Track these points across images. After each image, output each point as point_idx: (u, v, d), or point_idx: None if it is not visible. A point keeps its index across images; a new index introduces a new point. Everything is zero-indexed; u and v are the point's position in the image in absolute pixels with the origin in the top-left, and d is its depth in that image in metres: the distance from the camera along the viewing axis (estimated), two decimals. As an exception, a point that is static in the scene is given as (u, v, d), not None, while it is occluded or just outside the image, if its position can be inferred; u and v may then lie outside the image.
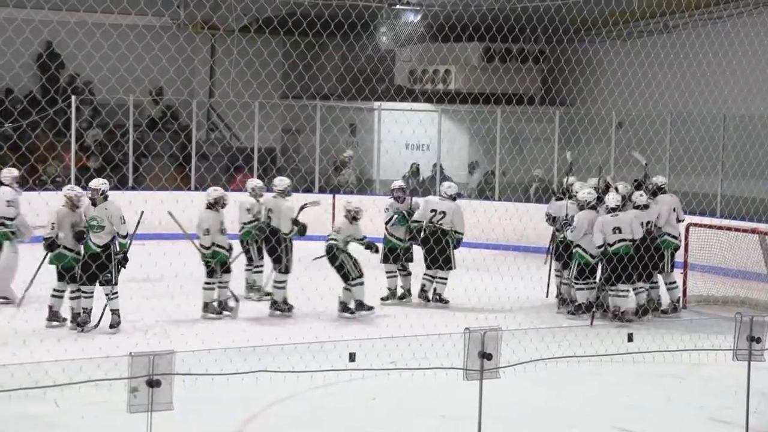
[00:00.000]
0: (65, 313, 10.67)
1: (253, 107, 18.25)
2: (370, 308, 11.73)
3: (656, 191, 12.17)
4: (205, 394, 7.73)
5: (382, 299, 12.38)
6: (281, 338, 10.10)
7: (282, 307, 11.62)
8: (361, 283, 11.63)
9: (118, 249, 10.42)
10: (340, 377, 8.46)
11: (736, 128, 16.25)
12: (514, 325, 11.03)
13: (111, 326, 10.45)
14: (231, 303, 11.48)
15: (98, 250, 10.36)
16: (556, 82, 20.36)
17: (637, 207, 11.75)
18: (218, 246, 11.33)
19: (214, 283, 11.41)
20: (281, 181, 12.00)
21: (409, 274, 12.60)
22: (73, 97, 16.89)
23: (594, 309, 11.75)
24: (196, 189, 17.93)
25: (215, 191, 11.55)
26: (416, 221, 12.34)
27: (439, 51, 20.67)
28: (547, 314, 12.13)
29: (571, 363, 9.03)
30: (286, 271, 11.56)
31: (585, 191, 12.01)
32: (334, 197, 17.47)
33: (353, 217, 11.73)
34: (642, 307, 11.82)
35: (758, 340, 6.75)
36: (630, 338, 10.66)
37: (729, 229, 12.87)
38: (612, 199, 11.70)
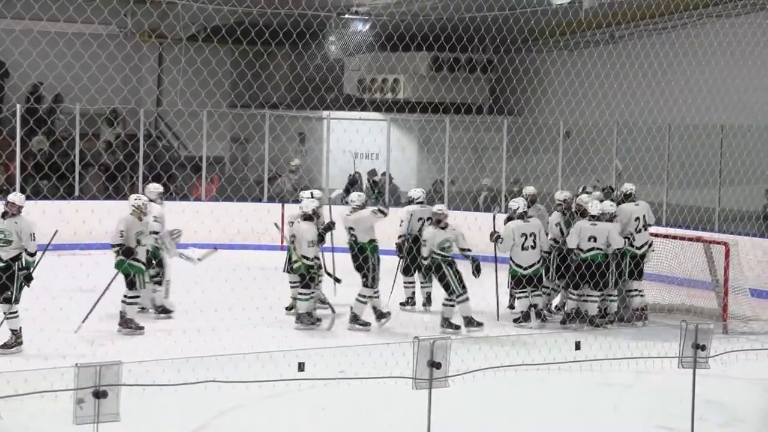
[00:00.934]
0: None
1: (201, 116, 18.16)
2: (479, 324, 11.62)
3: (623, 200, 12.39)
4: (152, 405, 7.65)
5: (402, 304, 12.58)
6: (229, 348, 10.05)
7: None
8: (467, 299, 11.55)
9: (23, 265, 10.01)
10: (289, 387, 8.43)
11: (681, 137, 16.44)
12: (462, 334, 11.07)
13: (6, 346, 10.00)
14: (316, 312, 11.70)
15: (1, 264, 9.96)
16: (504, 92, 20.46)
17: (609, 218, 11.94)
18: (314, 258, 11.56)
19: (309, 294, 11.53)
20: (359, 197, 12.03)
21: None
22: (18, 106, 16.69)
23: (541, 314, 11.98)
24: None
25: (312, 202, 11.69)
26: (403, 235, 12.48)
27: (388, 60, 20.73)
28: (495, 323, 12.16)
29: (520, 371, 9.06)
30: (372, 285, 11.53)
31: (514, 201, 12.25)
32: (282, 206, 17.42)
33: (437, 220, 11.62)
34: (609, 315, 12.05)
35: (703, 348, 6.82)
36: (577, 346, 10.71)
37: (674, 237, 13.00)
38: (594, 207, 11.89)
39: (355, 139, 17.84)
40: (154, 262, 11.66)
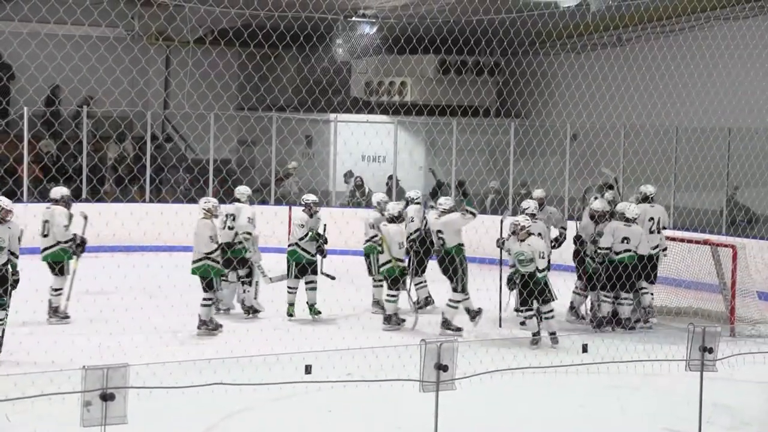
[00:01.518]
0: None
1: (208, 119, 18.18)
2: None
3: (641, 201, 12.42)
4: (160, 408, 7.67)
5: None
6: (237, 351, 10.05)
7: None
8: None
9: (13, 270, 9.87)
10: (296, 390, 8.43)
11: (688, 140, 16.42)
12: (470, 337, 11.07)
13: None
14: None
15: None
16: (511, 95, 20.47)
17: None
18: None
19: (397, 296, 11.70)
20: (447, 200, 12.05)
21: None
22: (26, 108, 16.72)
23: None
24: (150, 201, 17.84)
25: (398, 205, 11.95)
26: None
27: (395, 63, 20.73)
28: (502, 326, 12.15)
29: (527, 374, 9.07)
30: (462, 290, 11.53)
31: (526, 202, 12.16)
32: (290, 209, 17.43)
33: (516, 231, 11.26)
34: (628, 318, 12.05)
35: (710, 351, 6.81)
36: (584, 349, 10.72)
37: (682, 240, 12.98)
38: (631, 210, 11.89)
39: (362, 142, 17.86)
40: (235, 263, 11.96)
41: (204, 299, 11.18)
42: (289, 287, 12.14)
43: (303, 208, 12.29)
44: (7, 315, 9.75)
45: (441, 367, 5.96)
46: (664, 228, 12.47)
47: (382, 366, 9.15)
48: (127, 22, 19.28)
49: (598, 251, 11.88)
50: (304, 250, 12.04)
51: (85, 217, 11.78)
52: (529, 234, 11.07)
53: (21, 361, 9.23)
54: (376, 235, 12.28)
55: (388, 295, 11.79)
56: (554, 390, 9.38)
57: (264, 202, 18.63)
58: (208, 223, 11.17)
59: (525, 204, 11.99)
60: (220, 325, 11.27)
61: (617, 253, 11.81)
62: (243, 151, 21.15)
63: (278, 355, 9.85)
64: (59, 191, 11.96)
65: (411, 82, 21.31)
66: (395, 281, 11.69)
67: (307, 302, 12.10)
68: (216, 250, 11.12)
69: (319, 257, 12.08)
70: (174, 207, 16.85)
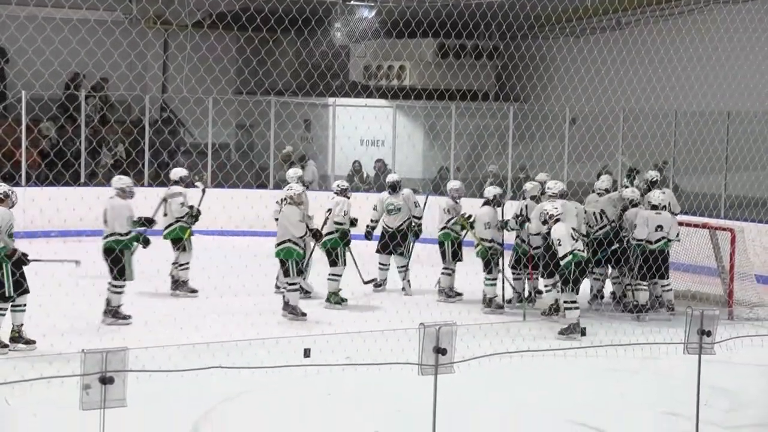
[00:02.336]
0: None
1: (207, 103, 18.16)
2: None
3: (648, 187, 12.42)
4: (159, 391, 7.68)
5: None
6: (235, 334, 10.07)
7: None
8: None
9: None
10: (295, 373, 8.45)
11: (687, 124, 16.42)
12: (469, 320, 11.09)
13: None
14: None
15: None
16: (510, 79, 20.44)
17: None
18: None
19: (493, 279, 11.88)
20: (493, 189, 12.23)
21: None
22: (23, 92, 16.69)
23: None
24: (150, 185, 17.82)
25: (494, 189, 12.09)
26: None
27: (394, 47, 20.69)
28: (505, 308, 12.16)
29: (525, 357, 9.10)
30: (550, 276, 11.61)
31: (529, 183, 12.53)
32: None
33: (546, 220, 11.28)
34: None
35: (708, 334, 6.82)
36: (583, 332, 10.77)
37: (680, 224, 12.96)
38: (656, 197, 11.92)
39: (361, 126, 17.84)
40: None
41: (288, 284, 11.22)
42: (337, 274, 12.15)
43: (339, 192, 12.27)
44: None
45: (440, 351, 5.96)
46: (675, 214, 12.43)
47: (381, 350, 9.18)
48: (125, 6, 19.23)
49: (633, 242, 11.85)
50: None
51: (204, 191, 12.71)
52: (557, 221, 10.99)
53: (20, 345, 9.24)
54: (450, 219, 12.42)
55: (485, 278, 11.93)
56: (553, 373, 9.40)
57: (263, 186, 18.62)
58: (295, 210, 11.21)
59: (655, 199, 11.93)
60: (305, 313, 11.21)
61: (653, 242, 11.79)
62: (241, 135, 21.15)
63: (277, 338, 9.88)
64: (178, 173, 12.68)
65: (410, 66, 21.28)
66: (487, 264, 11.81)
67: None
68: (305, 234, 11.23)
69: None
70: (172, 191, 16.83)
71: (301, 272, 11.39)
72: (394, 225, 12.88)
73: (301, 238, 11.24)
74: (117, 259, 10.68)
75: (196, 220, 12.46)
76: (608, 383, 9.18)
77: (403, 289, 12.94)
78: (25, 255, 9.37)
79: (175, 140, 19.76)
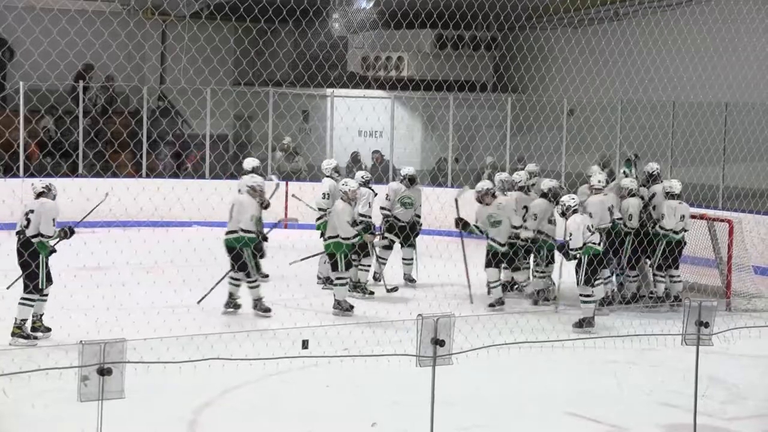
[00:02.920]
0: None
1: (204, 94, 18.13)
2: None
3: (647, 180, 12.37)
4: (157, 383, 7.69)
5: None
6: (234, 326, 10.08)
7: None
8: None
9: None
10: (293, 364, 8.46)
11: (685, 115, 16.41)
12: (467, 312, 11.10)
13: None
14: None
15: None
16: (508, 69, 20.43)
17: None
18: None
19: (545, 272, 11.92)
20: (549, 182, 12.21)
21: None
22: (21, 83, 16.67)
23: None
24: (147, 176, 17.83)
25: (551, 182, 12.01)
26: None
27: (392, 38, 20.66)
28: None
29: (523, 349, 9.10)
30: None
31: (517, 174, 12.48)
32: (287, 184, 17.41)
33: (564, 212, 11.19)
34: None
35: (706, 325, 6.83)
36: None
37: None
38: (676, 186, 11.93)
39: (359, 117, 17.82)
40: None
41: (336, 278, 11.21)
42: (367, 265, 12.14)
43: (363, 183, 12.21)
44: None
45: (438, 342, 5.97)
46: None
47: (379, 341, 9.19)
48: (123, -4, 19.19)
49: (659, 231, 11.82)
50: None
51: (278, 184, 12.92)
52: (575, 212, 10.89)
53: (38, 333, 9.26)
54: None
55: (536, 271, 11.95)
56: (551, 365, 9.41)
57: (260, 177, 18.58)
58: (347, 208, 11.14)
59: (676, 188, 11.92)
60: (352, 306, 11.21)
61: (677, 232, 11.84)
62: (239, 127, 21.12)
63: (275, 330, 9.88)
64: (251, 163, 12.76)
65: (408, 57, 21.25)
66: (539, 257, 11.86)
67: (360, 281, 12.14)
68: (356, 236, 11.17)
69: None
70: (171, 182, 16.85)
71: (349, 265, 11.29)
72: (406, 219, 12.76)
73: (347, 239, 11.16)
74: (237, 255, 10.79)
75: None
76: (606, 374, 9.18)
77: (412, 280, 12.89)
78: (71, 229, 9.81)
79: (173, 131, 19.75)
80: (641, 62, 16.82)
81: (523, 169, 13.26)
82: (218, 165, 18.44)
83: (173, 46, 19.60)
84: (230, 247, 10.89)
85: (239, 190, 11.52)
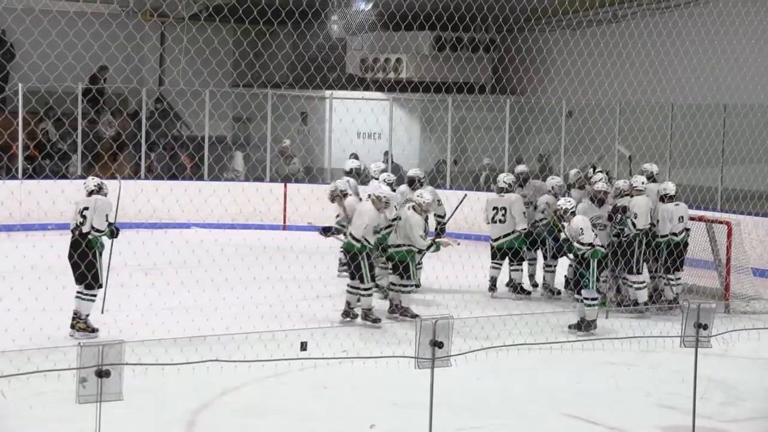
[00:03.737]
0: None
1: (203, 95, 18.14)
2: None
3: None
4: (155, 385, 7.68)
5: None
6: (232, 327, 10.07)
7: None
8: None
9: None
10: (291, 366, 8.46)
11: (683, 117, 16.42)
12: (465, 314, 11.09)
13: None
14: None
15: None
16: (507, 71, 20.44)
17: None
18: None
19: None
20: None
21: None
22: (20, 85, 16.67)
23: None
24: (146, 178, 17.82)
25: (626, 182, 11.90)
26: None
27: (391, 40, 20.68)
28: (498, 303, 12.18)
29: (522, 351, 9.10)
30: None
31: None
32: (285, 186, 17.45)
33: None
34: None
35: (705, 327, 6.82)
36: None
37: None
38: (671, 187, 11.92)
39: (358, 119, 17.84)
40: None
41: (403, 285, 11.10)
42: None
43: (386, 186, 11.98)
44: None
45: (436, 344, 5.96)
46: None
47: (378, 343, 9.19)
48: (122, -1, 19.19)
49: (661, 237, 11.80)
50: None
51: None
52: (573, 214, 10.84)
53: (17, 338, 9.24)
54: (543, 219, 12.27)
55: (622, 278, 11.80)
56: (550, 366, 9.41)
57: (259, 179, 18.61)
58: (420, 221, 10.96)
59: (671, 189, 11.89)
60: (416, 315, 10.89)
61: (677, 234, 11.83)
62: (238, 128, 21.14)
63: (274, 331, 9.86)
64: (350, 164, 12.89)
65: (406, 58, 21.26)
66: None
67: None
68: (429, 247, 11.12)
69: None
70: (169, 184, 16.84)
71: (407, 271, 11.09)
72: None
73: (420, 252, 11.10)
74: (355, 260, 10.74)
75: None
76: (605, 376, 9.18)
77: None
78: (117, 229, 10.16)
79: (172, 133, 19.76)
80: (640, 64, 16.82)
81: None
82: (216, 167, 18.45)
83: (172, 47, 19.62)
84: (347, 250, 10.88)
85: (360, 198, 11.34)
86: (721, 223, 12.46)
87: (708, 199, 15.51)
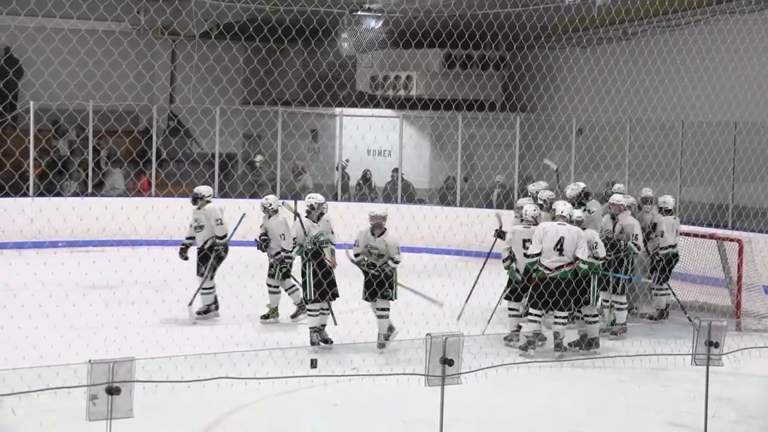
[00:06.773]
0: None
1: (214, 113, 18.18)
2: None
3: (641, 204, 12.26)
4: (165, 402, 7.68)
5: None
6: (242, 344, 10.07)
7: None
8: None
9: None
10: (301, 384, 8.44)
11: (694, 134, 16.40)
12: (476, 331, 11.07)
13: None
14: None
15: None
16: (517, 89, 20.45)
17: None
18: None
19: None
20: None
21: None
22: (32, 103, 16.72)
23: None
24: (156, 195, 17.84)
25: (643, 194, 12.04)
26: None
27: (401, 57, 20.72)
28: (508, 320, 12.13)
29: (532, 368, 9.08)
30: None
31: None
32: (295, 203, 17.40)
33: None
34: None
35: (716, 345, 6.81)
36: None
37: (688, 234, 12.96)
38: (670, 201, 12.15)
39: (368, 136, 17.86)
40: None
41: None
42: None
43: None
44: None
45: (446, 362, 5.96)
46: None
47: (388, 360, 9.17)
48: (133, 17, 19.26)
49: (661, 249, 11.88)
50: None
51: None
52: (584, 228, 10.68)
53: (27, 355, 9.25)
54: None
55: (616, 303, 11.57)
56: (560, 384, 9.38)
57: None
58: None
59: (669, 203, 12.13)
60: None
61: (673, 246, 12.08)
62: (248, 146, 21.17)
63: (284, 349, 9.86)
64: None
65: (416, 76, 21.30)
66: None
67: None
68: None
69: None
70: (180, 201, 16.84)
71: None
72: None
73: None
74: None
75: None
76: (615, 394, 9.15)
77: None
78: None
79: (182, 150, 19.81)
80: (650, 82, 16.81)
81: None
82: (227, 184, 18.47)
83: (183, 65, 19.68)
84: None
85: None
86: (732, 240, 12.44)
87: (719, 216, 15.48)
